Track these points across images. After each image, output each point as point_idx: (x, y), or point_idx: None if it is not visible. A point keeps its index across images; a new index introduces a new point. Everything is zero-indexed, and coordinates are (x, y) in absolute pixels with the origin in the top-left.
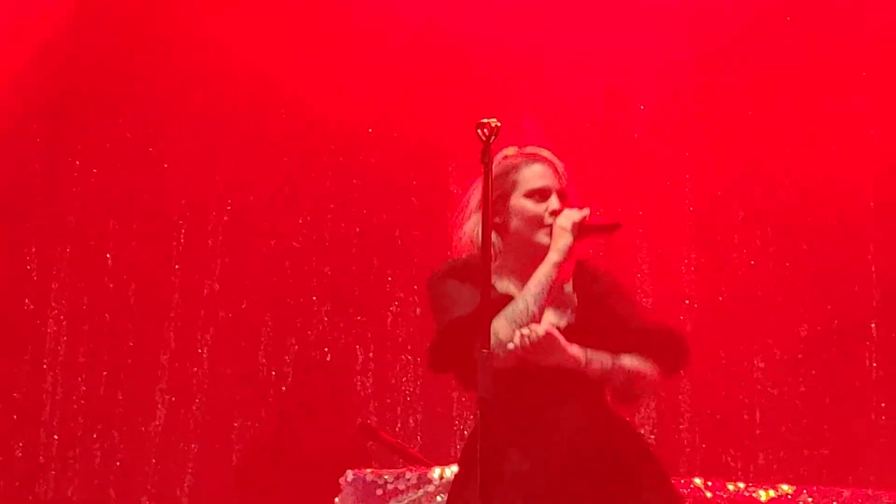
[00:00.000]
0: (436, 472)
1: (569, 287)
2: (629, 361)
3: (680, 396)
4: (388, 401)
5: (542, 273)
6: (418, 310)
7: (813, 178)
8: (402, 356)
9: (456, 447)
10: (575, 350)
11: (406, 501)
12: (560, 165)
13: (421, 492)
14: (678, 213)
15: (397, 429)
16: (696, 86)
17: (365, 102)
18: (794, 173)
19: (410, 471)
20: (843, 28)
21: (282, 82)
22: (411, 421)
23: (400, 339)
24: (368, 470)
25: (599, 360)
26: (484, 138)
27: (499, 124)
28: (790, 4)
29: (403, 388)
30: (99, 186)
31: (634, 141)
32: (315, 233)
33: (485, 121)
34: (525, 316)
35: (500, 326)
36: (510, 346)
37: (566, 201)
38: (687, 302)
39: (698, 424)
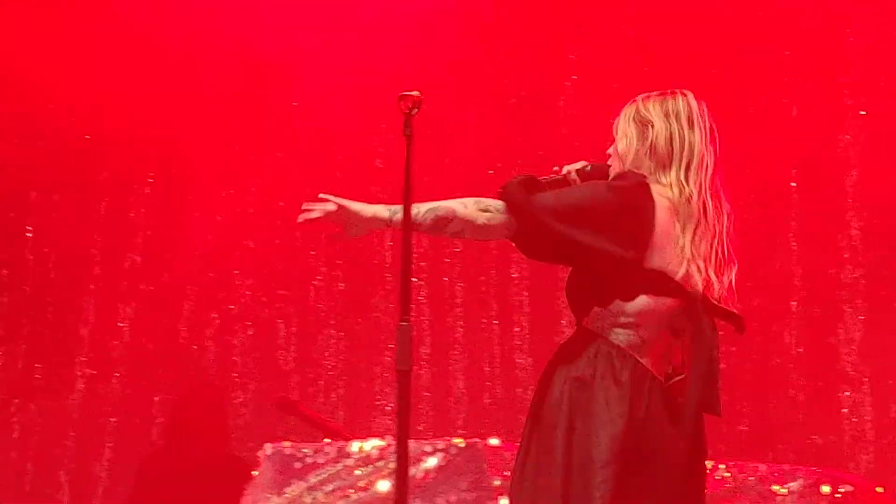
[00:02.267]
0: (355, 446)
1: None
2: (436, 204)
3: None
4: (311, 375)
5: None
6: (341, 284)
7: (735, 156)
8: (325, 331)
9: (377, 421)
10: (370, 211)
11: (325, 475)
12: None
13: (340, 465)
14: None
15: (319, 403)
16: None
17: (290, 76)
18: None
19: (330, 444)
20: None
21: (198, 54)
22: (333, 395)
23: (322, 314)
24: (287, 443)
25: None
26: (405, 111)
27: (420, 96)
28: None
29: (325, 362)
30: (19, 158)
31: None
32: (238, 206)
33: (406, 93)
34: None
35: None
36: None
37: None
38: None
39: None
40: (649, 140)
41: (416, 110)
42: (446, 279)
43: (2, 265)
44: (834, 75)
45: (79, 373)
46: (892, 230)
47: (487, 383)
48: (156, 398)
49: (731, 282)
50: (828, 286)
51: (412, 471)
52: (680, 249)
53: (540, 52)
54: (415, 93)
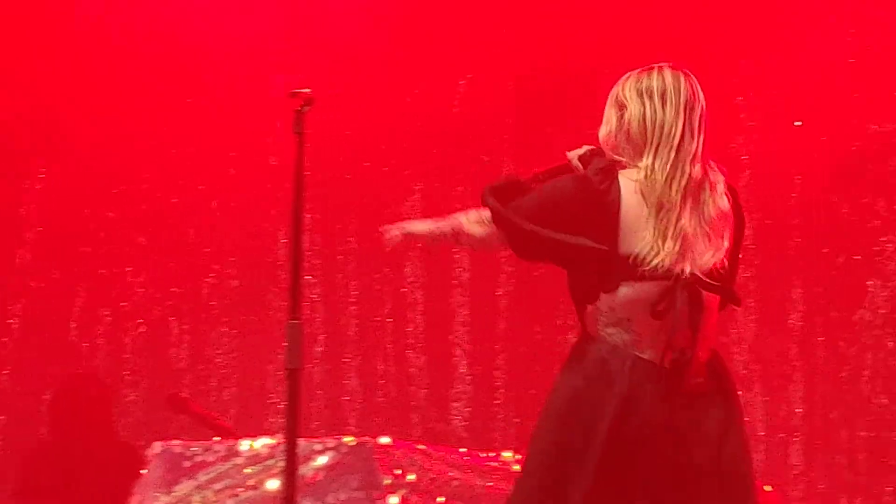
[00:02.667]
0: (245, 445)
1: None
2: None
3: (495, 372)
4: (203, 373)
5: None
6: (235, 282)
7: None
8: (218, 328)
9: (269, 420)
10: (420, 226)
11: (214, 473)
12: None
13: (230, 464)
14: None
15: (212, 401)
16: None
17: (184, 72)
18: None
19: (219, 443)
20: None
21: (91, 49)
22: (226, 394)
23: (215, 312)
24: (177, 442)
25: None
26: (297, 108)
27: (312, 93)
28: None
29: (218, 360)
30: None
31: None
32: (130, 202)
33: (298, 90)
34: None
35: None
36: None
37: None
38: (504, 277)
39: (513, 399)
40: (625, 124)
41: (307, 107)
42: (340, 276)
43: None
44: (725, 76)
45: None
46: (782, 231)
47: (381, 381)
48: (45, 396)
49: (722, 258)
50: None
51: (302, 469)
52: (647, 229)
53: (436, 51)
54: (306, 90)
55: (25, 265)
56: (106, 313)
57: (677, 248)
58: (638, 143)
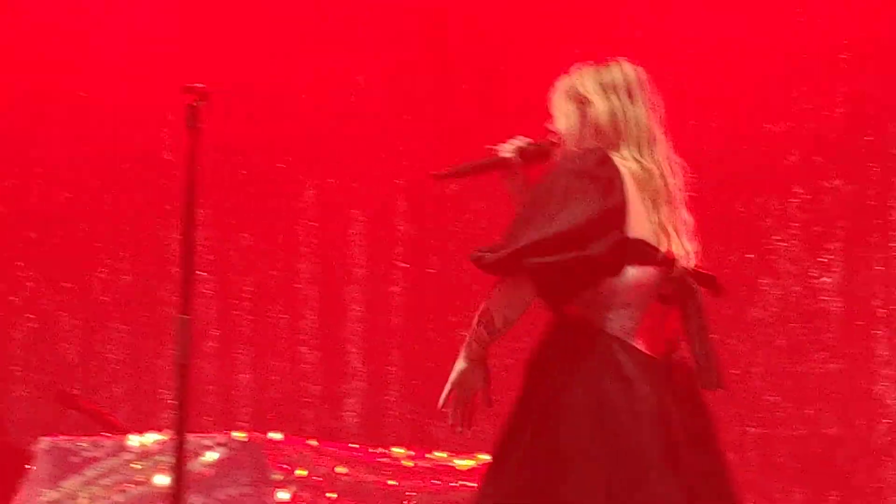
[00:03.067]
0: (133, 440)
1: None
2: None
3: (389, 368)
4: (94, 368)
5: None
6: (126, 277)
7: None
8: (109, 324)
9: (161, 416)
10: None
11: (102, 469)
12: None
13: (118, 459)
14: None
15: (104, 397)
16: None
17: (73, 64)
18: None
19: (108, 438)
20: None
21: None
22: (117, 389)
23: (107, 306)
24: (64, 437)
25: (475, 333)
26: (190, 103)
27: (206, 88)
28: None
29: (109, 355)
30: None
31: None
32: (21, 197)
33: (191, 85)
34: None
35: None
36: None
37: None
38: (398, 274)
39: (406, 396)
40: (591, 119)
41: (201, 102)
42: (233, 272)
43: None
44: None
45: None
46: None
47: (274, 377)
48: None
49: (697, 247)
50: None
51: (191, 465)
52: (649, 220)
53: (331, 46)
54: (199, 85)
55: None
56: None
57: (675, 238)
58: (610, 138)
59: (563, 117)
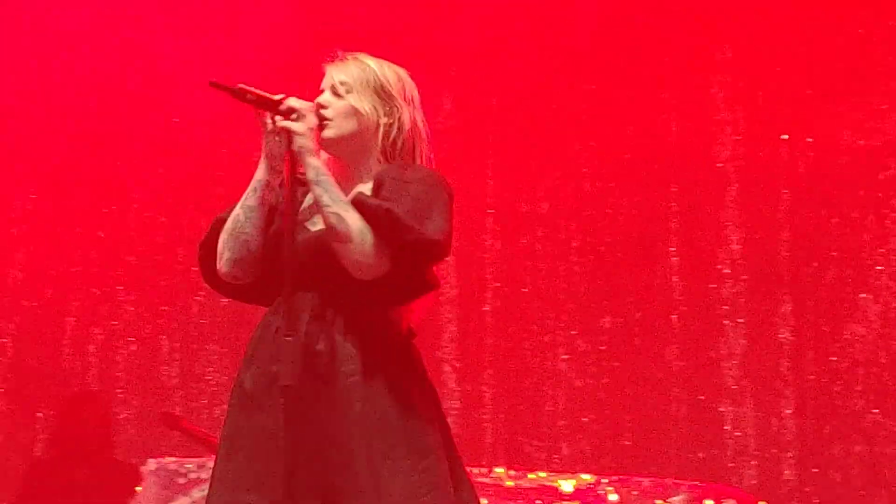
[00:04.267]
0: None
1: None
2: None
3: (484, 388)
4: (194, 390)
5: None
6: (224, 300)
7: (614, 170)
8: (208, 346)
9: None
10: (315, 163)
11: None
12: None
13: None
14: (480, 202)
15: (203, 419)
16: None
17: (171, 92)
18: (596, 168)
19: (212, 459)
20: None
21: (81, 67)
22: (217, 411)
23: (206, 329)
24: (171, 459)
25: (326, 190)
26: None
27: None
28: None
29: (209, 377)
30: None
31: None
32: (120, 222)
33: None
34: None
35: None
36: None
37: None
38: (490, 294)
39: (502, 415)
40: (394, 126)
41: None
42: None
43: None
44: (711, 89)
45: None
46: (770, 245)
47: None
48: (39, 414)
49: None
50: (708, 301)
51: None
52: None
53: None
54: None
55: (17, 285)
56: (97, 332)
57: None
58: (400, 151)
59: (367, 106)
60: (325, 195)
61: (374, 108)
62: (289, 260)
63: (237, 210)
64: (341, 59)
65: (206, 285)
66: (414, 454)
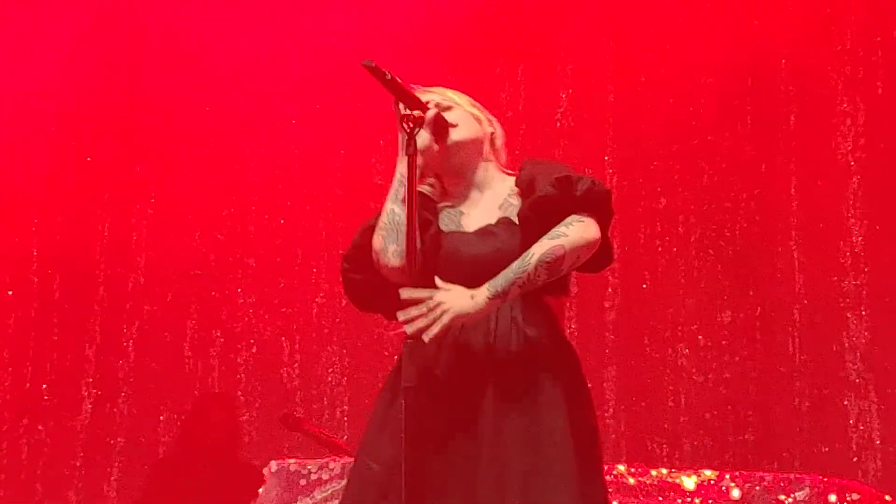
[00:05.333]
0: None
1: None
2: (541, 253)
3: (605, 384)
4: (314, 392)
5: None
6: (344, 301)
7: (734, 166)
8: (328, 347)
9: None
10: (480, 299)
11: (330, 491)
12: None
13: (345, 481)
14: None
15: (324, 420)
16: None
17: (290, 93)
18: (716, 161)
19: (334, 461)
20: None
21: (199, 71)
22: (338, 412)
23: (325, 331)
24: (292, 460)
25: (510, 280)
26: (408, 130)
27: (422, 115)
28: None
29: (329, 378)
30: (22, 180)
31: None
32: (239, 224)
33: (408, 112)
34: (386, 220)
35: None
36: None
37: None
38: (610, 290)
39: (623, 411)
40: (496, 134)
41: (418, 129)
42: None
43: (6, 287)
44: (830, 81)
45: (85, 393)
46: (893, 236)
47: None
48: (161, 417)
49: None
50: (831, 294)
51: None
52: None
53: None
54: (416, 112)
55: (139, 289)
56: (218, 334)
57: None
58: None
59: (469, 121)
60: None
61: (481, 116)
62: (410, 265)
63: (390, 206)
64: (425, 88)
65: (351, 300)
66: (586, 464)
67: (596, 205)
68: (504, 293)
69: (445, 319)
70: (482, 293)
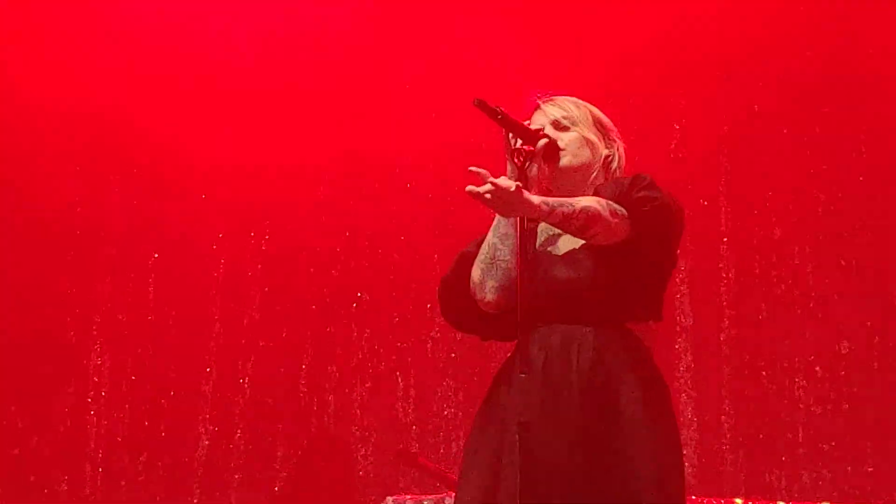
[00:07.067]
0: None
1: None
2: (587, 202)
3: (722, 417)
4: (430, 427)
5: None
6: (458, 335)
7: (848, 192)
8: (443, 382)
9: None
10: (536, 200)
11: None
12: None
13: None
14: (714, 230)
15: (440, 455)
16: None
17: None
18: (829, 191)
19: (450, 496)
20: None
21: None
22: (453, 447)
23: (440, 365)
24: (408, 496)
25: (561, 207)
26: (518, 164)
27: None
28: None
29: (444, 413)
30: (139, 218)
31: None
32: (353, 260)
33: (519, 147)
34: (487, 254)
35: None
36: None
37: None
38: (727, 322)
39: (741, 444)
40: (614, 157)
41: (528, 163)
42: None
43: (124, 326)
44: None
45: (202, 430)
46: None
47: None
48: (278, 453)
49: None
50: None
51: None
52: None
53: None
54: (526, 147)
55: (254, 325)
56: (333, 370)
57: None
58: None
59: (587, 145)
60: (560, 207)
61: (598, 140)
62: (522, 294)
63: (492, 238)
64: (550, 99)
65: (446, 319)
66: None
67: (645, 214)
68: (550, 210)
69: (489, 196)
70: (536, 197)
